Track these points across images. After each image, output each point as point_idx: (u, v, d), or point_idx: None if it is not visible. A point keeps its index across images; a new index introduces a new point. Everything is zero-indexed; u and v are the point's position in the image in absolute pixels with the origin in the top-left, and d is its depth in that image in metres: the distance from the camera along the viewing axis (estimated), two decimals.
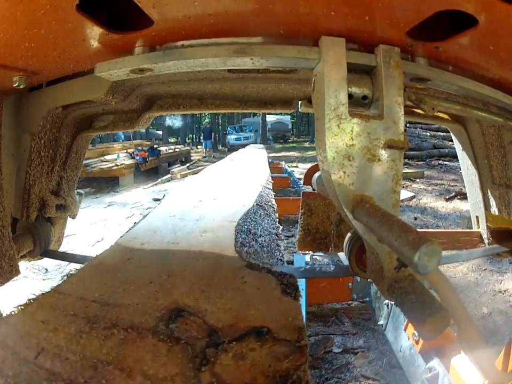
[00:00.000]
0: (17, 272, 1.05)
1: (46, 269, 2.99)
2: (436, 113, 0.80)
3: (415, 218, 4.40)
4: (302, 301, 1.67)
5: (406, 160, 8.57)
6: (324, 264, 2.67)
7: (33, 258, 1.27)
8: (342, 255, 2.30)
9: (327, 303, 2.22)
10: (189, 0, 0.55)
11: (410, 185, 6.36)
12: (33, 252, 1.24)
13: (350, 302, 2.23)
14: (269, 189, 2.14)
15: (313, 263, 2.55)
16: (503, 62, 0.71)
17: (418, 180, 6.76)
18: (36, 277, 2.86)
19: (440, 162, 8.50)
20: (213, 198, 1.75)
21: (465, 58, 0.71)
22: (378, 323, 1.94)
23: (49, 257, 1.31)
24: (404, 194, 5.49)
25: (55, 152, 1.23)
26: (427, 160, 8.82)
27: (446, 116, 1.32)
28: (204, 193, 1.92)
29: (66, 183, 1.34)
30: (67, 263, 2.99)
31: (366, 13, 0.57)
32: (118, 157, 8.74)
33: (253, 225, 1.28)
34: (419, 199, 5.40)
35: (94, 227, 4.31)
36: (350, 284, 2.10)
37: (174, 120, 17.83)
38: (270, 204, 1.75)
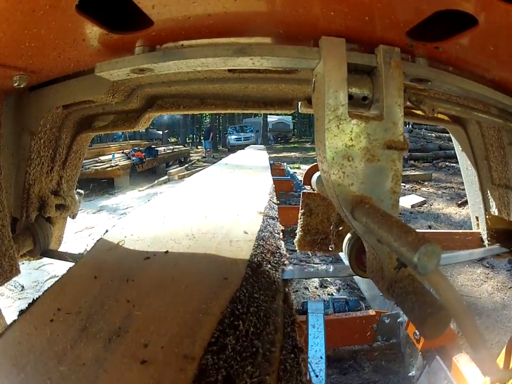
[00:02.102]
0: (17, 271, 1.06)
1: (23, 286, 2.89)
2: (435, 115, 0.80)
3: (429, 227, 4.14)
4: (321, 340, 1.45)
5: (412, 162, 8.48)
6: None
7: (33, 257, 1.28)
8: (342, 255, 2.24)
9: (347, 346, 1.94)
10: (189, 0, 0.55)
11: (420, 189, 6.14)
12: (33, 252, 1.24)
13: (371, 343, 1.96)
14: (274, 218, 1.37)
15: (333, 304, 2.15)
16: (503, 62, 0.71)
17: (426, 183, 6.59)
18: (11, 295, 2.77)
19: (447, 164, 8.38)
20: (167, 251, 0.96)
21: (465, 58, 0.71)
22: (409, 374, 1.70)
23: (49, 257, 1.31)
24: (415, 199, 5.35)
25: (55, 151, 1.23)
26: (433, 161, 8.72)
27: (445, 117, 1.32)
28: (160, 239, 1.06)
29: (66, 183, 1.34)
30: (44, 280, 2.95)
31: (365, 13, 0.57)
32: (113, 157, 8.60)
33: (237, 363, 0.53)
34: (430, 204, 5.21)
35: (78, 236, 4.16)
36: (375, 325, 1.87)
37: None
38: (276, 256, 0.99)
